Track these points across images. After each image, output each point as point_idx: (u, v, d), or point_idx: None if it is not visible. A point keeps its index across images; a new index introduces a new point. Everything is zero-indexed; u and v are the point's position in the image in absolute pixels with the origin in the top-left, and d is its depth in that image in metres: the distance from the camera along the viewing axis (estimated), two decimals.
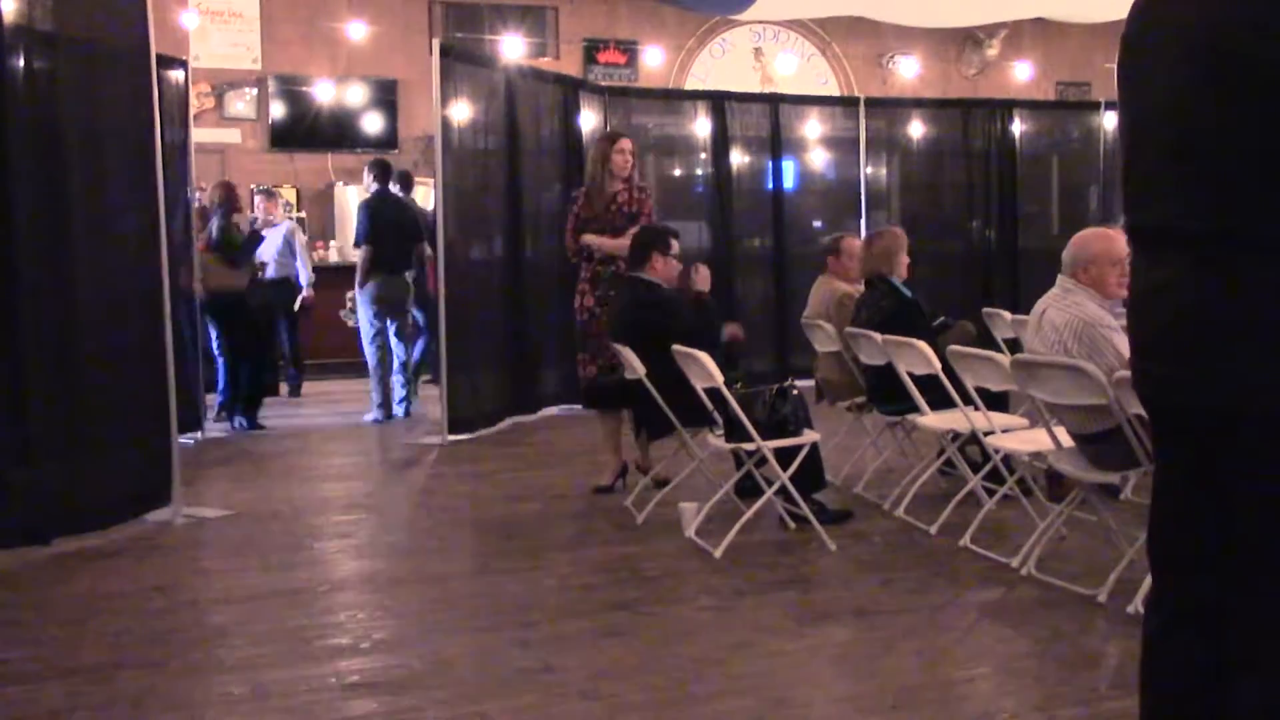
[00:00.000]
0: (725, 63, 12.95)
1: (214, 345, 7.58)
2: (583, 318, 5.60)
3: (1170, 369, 1.85)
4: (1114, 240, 3.82)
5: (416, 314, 8.37)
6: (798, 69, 13.09)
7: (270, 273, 8.45)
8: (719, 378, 4.37)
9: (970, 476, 4.87)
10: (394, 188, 8.23)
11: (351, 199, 11.38)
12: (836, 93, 12.96)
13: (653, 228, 5.48)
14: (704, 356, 4.38)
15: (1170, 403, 1.89)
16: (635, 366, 4.82)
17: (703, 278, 5.42)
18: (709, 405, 4.59)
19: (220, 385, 7.68)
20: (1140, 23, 1.90)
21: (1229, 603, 1.82)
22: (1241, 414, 1.76)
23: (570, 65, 11.95)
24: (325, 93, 11.57)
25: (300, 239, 8.85)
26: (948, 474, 5.35)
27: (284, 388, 9.07)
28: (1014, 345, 6.12)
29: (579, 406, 8.18)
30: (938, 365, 4.60)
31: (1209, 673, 1.84)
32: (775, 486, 4.56)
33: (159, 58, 5.53)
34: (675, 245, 5.19)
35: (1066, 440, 3.92)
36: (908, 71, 13.20)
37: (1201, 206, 1.78)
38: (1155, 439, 1.97)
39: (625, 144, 5.73)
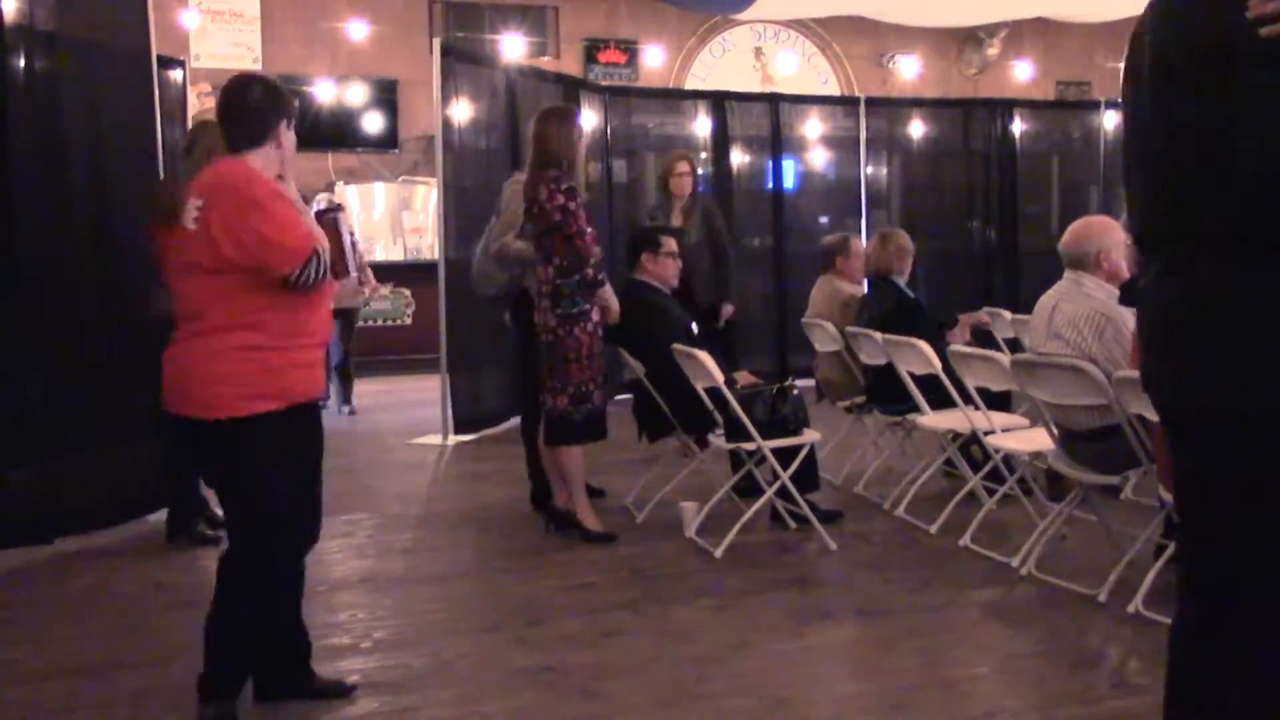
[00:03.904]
0: (726, 62, 12.94)
1: None
2: (547, 338, 4.56)
3: (1162, 366, 1.90)
4: (1112, 224, 4.05)
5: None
6: (798, 68, 13.09)
7: None
8: (719, 377, 4.37)
9: (971, 476, 4.87)
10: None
11: (353, 198, 11.40)
12: (837, 92, 12.96)
13: (642, 229, 5.40)
14: (704, 356, 4.39)
15: (1164, 400, 1.93)
16: (635, 366, 4.83)
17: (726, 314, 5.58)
18: (709, 405, 4.59)
19: None
20: (1141, 25, 1.92)
21: (1238, 602, 1.84)
22: (1219, 412, 1.78)
23: (570, 65, 11.95)
24: (325, 92, 11.56)
25: None
26: (950, 473, 5.35)
27: None
28: (1014, 345, 6.13)
29: None
30: (938, 365, 4.61)
31: (1223, 673, 1.85)
32: (776, 486, 4.56)
33: (159, 58, 5.53)
34: (668, 244, 5.08)
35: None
36: (908, 71, 13.20)
37: (1187, 207, 1.82)
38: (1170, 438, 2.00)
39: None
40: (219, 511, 4.93)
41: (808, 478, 4.81)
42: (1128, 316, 3.84)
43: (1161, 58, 1.81)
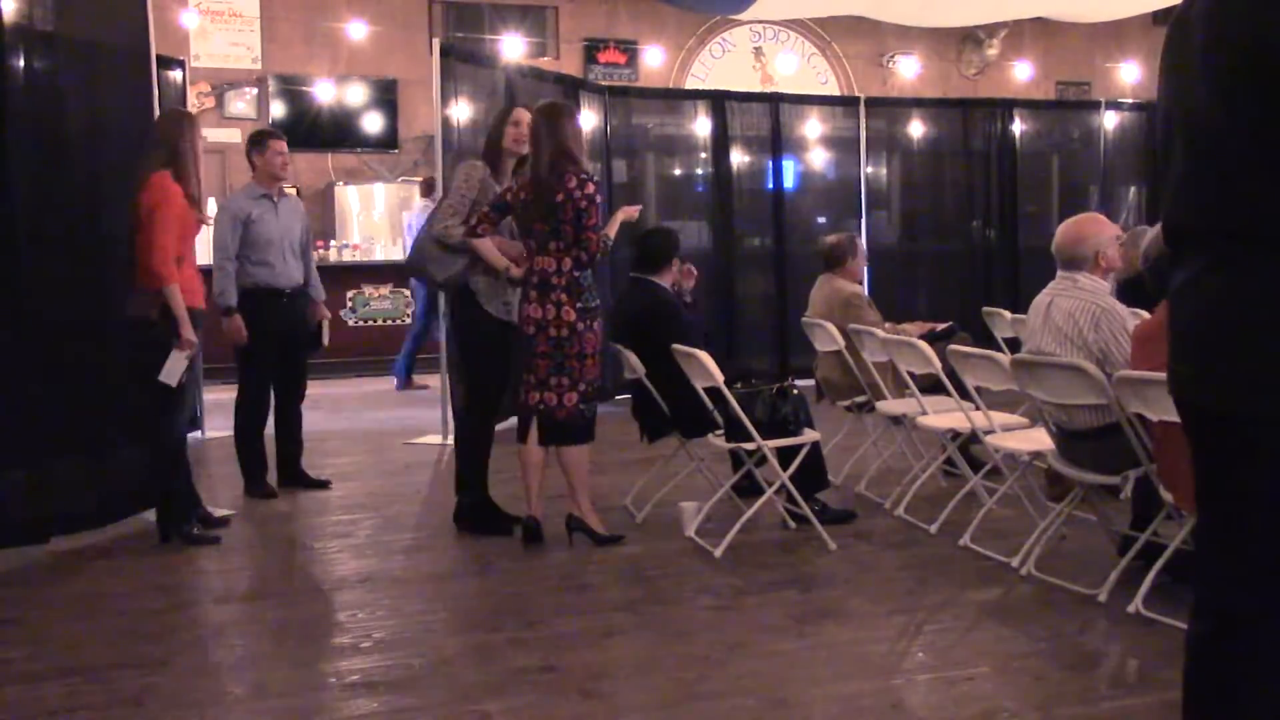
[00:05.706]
0: (725, 62, 12.95)
1: None
2: (560, 333, 4.43)
3: (1187, 366, 1.87)
4: (1100, 220, 4.16)
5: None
6: (798, 68, 13.10)
7: None
8: (719, 377, 4.37)
9: (971, 476, 4.87)
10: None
11: (352, 198, 11.40)
12: (837, 92, 12.97)
13: (667, 231, 5.39)
14: (704, 356, 4.38)
15: (1186, 401, 1.91)
16: (635, 367, 4.82)
17: (688, 274, 5.27)
18: (709, 405, 4.58)
19: None
20: (1186, 13, 1.91)
21: (1258, 607, 1.83)
22: (1243, 413, 1.76)
23: (570, 65, 11.96)
24: (325, 92, 11.57)
25: None
26: (950, 473, 5.35)
27: None
28: (1014, 345, 6.13)
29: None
30: (938, 365, 4.61)
31: (1235, 679, 1.84)
32: (776, 486, 4.56)
33: (159, 58, 5.53)
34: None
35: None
36: (908, 71, 13.20)
37: (1210, 205, 1.80)
38: (1189, 439, 1.98)
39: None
40: (213, 511, 4.95)
41: (816, 477, 4.81)
42: (1123, 309, 3.87)
43: (1219, 48, 1.76)
